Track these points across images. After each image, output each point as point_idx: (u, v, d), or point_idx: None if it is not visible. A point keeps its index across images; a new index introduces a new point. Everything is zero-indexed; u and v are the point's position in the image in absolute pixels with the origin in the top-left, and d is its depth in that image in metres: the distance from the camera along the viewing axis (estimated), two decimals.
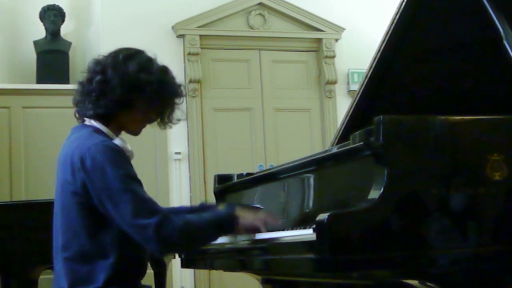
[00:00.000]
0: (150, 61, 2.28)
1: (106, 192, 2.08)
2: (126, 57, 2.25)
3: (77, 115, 2.31)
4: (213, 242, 2.35)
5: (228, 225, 2.23)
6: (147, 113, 2.29)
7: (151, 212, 2.07)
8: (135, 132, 2.32)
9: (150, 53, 2.31)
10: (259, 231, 2.23)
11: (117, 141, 2.21)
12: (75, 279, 2.14)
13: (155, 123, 2.37)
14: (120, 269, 2.13)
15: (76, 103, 2.29)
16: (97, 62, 2.27)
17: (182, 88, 2.33)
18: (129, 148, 2.24)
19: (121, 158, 2.14)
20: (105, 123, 2.24)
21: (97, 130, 2.22)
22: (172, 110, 2.32)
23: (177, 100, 2.32)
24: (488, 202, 1.88)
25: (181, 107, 2.35)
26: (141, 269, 2.25)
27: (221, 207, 2.48)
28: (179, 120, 2.37)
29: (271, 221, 2.25)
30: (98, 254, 2.13)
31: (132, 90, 2.21)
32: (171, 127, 2.39)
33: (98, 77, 2.22)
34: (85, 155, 2.11)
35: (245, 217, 2.24)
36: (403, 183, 1.82)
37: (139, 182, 2.14)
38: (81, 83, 2.28)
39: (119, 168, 2.10)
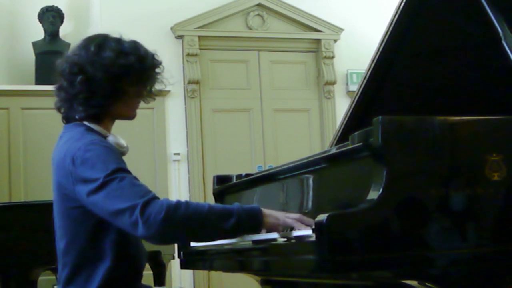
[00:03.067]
0: (119, 42, 2.23)
1: (95, 184, 1.99)
2: (97, 46, 2.19)
3: (64, 121, 2.24)
4: (231, 240, 2.20)
5: (246, 218, 2.02)
6: (138, 94, 2.23)
7: (139, 195, 1.96)
8: (131, 116, 2.26)
9: (114, 34, 2.25)
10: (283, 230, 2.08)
11: (110, 138, 2.18)
12: (75, 283, 2.13)
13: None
14: (118, 271, 2.12)
15: (60, 109, 2.22)
16: (71, 63, 2.17)
17: (156, 56, 2.27)
18: (124, 143, 2.21)
19: (111, 154, 2.08)
20: (97, 121, 2.19)
21: (89, 129, 2.17)
22: (155, 81, 2.26)
23: (158, 70, 2.26)
24: (487, 202, 1.88)
25: (162, 76, 2.28)
26: (139, 270, 2.23)
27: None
28: (161, 90, 2.30)
29: (306, 221, 2.04)
30: (97, 258, 2.11)
31: (118, 78, 2.15)
32: (154, 99, 2.31)
33: (79, 78, 2.13)
34: (76, 155, 2.05)
35: (275, 214, 2.07)
36: (402, 184, 1.82)
37: (130, 173, 2.05)
38: (61, 88, 2.19)
39: (109, 162, 2.02)
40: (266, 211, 2.08)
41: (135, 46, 2.24)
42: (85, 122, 2.18)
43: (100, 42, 2.21)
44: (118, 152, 2.14)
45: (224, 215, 2.02)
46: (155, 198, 1.97)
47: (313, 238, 1.79)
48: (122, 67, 2.15)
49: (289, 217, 2.07)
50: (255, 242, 2.16)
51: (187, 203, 1.99)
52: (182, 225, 1.97)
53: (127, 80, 2.17)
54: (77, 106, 2.15)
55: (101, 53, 2.17)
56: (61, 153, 2.13)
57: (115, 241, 2.11)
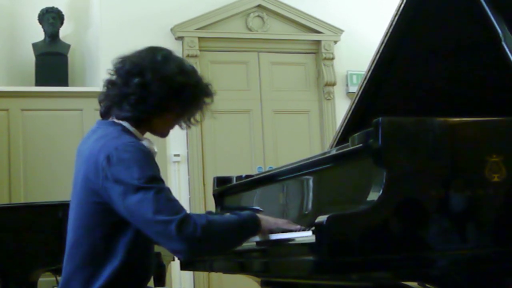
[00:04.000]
0: (182, 61, 2.27)
1: (130, 188, 2.01)
2: (164, 57, 2.21)
3: (101, 116, 2.25)
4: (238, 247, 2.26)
5: (251, 224, 2.13)
6: (180, 115, 2.26)
7: (174, 210, 2.00)
8: (164, 134, 2.29)
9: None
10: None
11: (144, 142, 2.18)
12: (80, 278, 2.13)
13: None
14: (124, 274, 2.11)
15: (106, 101, 2.22)
16: (132, 62, 2.19)
17: (211, 87, 2.33)
18: (155, 149, 2.21)
19: (149, 159, 2.09)
20: (136, 125, 2.20)
21: (125, 130, 2.17)
22: (201, 110, 2.30)
23: (208, 100, 2.31)
24: (487, 203, 1.88)
25: (209, 107, 2.33)
26: (146, 275, 2.22)
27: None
28: (198, 121, 2.34)
29: (292, 227, 2.16)
30: (107, 256, 2.10)
31: (171, 94, 2.17)
32: (190, 127, 2.34)
33: (136, 80, 2.15)
34: (112, 154, 2.05)
35: (267, 219, 2.18)
36: (402, 185, 1.82)
37: (164, 184, 2.08)
38: (112, 83, 2.20)
39: (146, 168, 2.04)
40: (260, 216, 2.18)
41: (195, 70, 2.30)
42: (122, 122, 2.19)
43: (166, 54, 2.24)
44: (153, 158, 2.14)
45: (239, 228, 2.12)
46: (187, 215, 2.02)
47: (313, 239, 1.79)
48: (180, 84, 2.19)
49: (278, 220, 2.19)
50: (259, 243, 2.20)
51: (213, 220, 2.07)
52: (213, 243, 2.07)
53: (178, 98, 2.20)
54: (126, 105, 2.16)
55: (165, 64, 2.20)
56: (94, 148, 2.11)
57: (128, 244, 2.10)
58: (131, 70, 2.17)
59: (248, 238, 2.17)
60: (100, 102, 2.26)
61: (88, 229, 2.12)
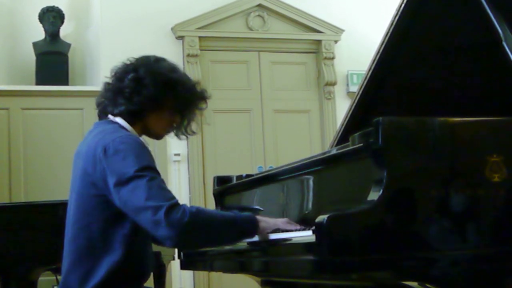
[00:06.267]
0: (176, 65, 2.35)
1: (124, 177, 2.05)
2: (156, 58, 2.32)
3: (98, 117, 2.32)
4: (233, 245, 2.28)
5: (247, 224, 2.15)
6: (174, 115, 2.31)
7: (165, 198, 2.04)
8: (159, 135, 2.34)
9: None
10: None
11: (140, 139, 2.24)
12: (78, 272, 2.14)
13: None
14: (122, 269, 2.12)
15: (103, 100, 2.29)
16: (126, 64, 2.30)
17: (205, 92, 2.37)
18: (149, 148, 2.24)
19: (145, 151, 2.15)
20: (130, 123, 2.25)
21: (122, 127, 2.23)
22: (195, 115, 2.35)
23: (201, 104, 2.35)
24: (487, 203, 1.88)
25: (198, 119, 2.38)
26: (143, 273, 2.24)
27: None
28: (194, 132, 2.39)
29: (292, 227, 2.18)
30: (105, 249, 2.12)
31: (165, 88, 2.24)
32: (186, 137, 2.39)
33: (130, 75, 2.24)
34: (109, 145, 2.11)
35: (267, 220, 2.20)
36: (403, 185, 1.82)
37: (159, 175, 2.12)
38: (109, 84, 2.29)
39: (141, 159, 2.09)
40: (258, 217, 2.19)
41: (188, 75, 2.38)
42: (118, 119, 2.24)
43: (158, 57, 2.34)
44: (149, 150, 2.18)
45: (232, 223, 2.14)
46: (177, 202, 2.05)
47: (313, 239, 1.79)
48: (172, 79, 2.27)
49: (278, 221, 2.20)
50: (251, 244, 2.21)
51: (204, 210, 2.11)
52: (201, 231, 2.09)
53: (171, 93, 2.26)
54: (120, 99, 2.23)
55: (158, 63, 2.30)
56: (91, 144, 2.17)
57: (126, 237, 2.13)
58: (126, 68, 2.27)
59: (244, 237, 2.19)
60: (97, 106, 2.33)
61: (85, 223, 2.15)
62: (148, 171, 2.07)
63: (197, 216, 2.04)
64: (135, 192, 2.03)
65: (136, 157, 2.08)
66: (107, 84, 2.30)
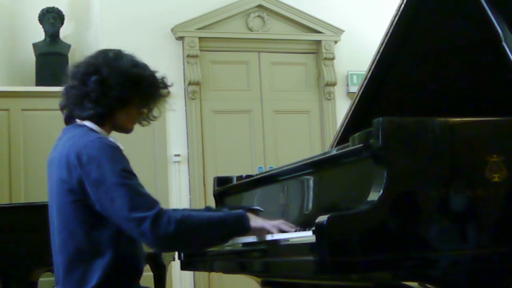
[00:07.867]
0: (134, 57, 2.32)
1: (103, 187, 2.06)
2: (115, 54, 2.27)
3: (65, 122, 2.29)
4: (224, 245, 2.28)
5: (235, 223, 2.16)
6: (141, 108, 2.31)
7: (148, 206, 2.06)
8: (129, 129, 2.32)
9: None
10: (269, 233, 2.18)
11: (111, 138, 2.22)
12: (72, 280, 2.13)
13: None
14: (116, 269, 2.12)
15: (67, 106, 2.27)
16: (86, 64, 2.26)
17: (166, 80, 2.35)
18: (121, 147, 2.24)
19: (118, 153, 2.14)
20: (99, 124, 2.24)
21: (90, 130, 2.21)
22: (159, 101, 2.34)
23: (164, 92, 2.34)
24: (487, 203, 1.88)
25: (166, 101, 2.38)
26: (137, 269, 2.23)
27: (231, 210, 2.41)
28: (156, 117, 2.38)
29: (286, 228, 2.17)
30: (94, 252, 2.12)
31: (130, 85, 2.23)
32: (149, 123, 2.39)
33: (94, 77, 2.20)
34: (82, 152, 2.10)
35: (256, 219, 2.20)
36: (403, 185, 1.82)
37: (136, 177, 2.13)
38: (72, 87, 2.25)
39: (116, 162, 2.09)
40: (250, 216, 2.20)
41: (147, 65, 2.34)
42: (86, 123, 2.22)
43: (117, 52, 2.30)
44: (121, 151, 2.18)
45: (219, 224, 2.16)
46: (161, 210, 2.07)
47: (313, 239, 1.79)
48: (136, 75, 2.24)
49: (272, 222, 2.20)
50: (245, 244, 2.23)
51: (189, 216, 2.12)
52: (187, 237, 2.13)
53: (136, 89, 2.24)
54: (87, 103, 2.21)
55: (118, 60, 2.26)
56: (62, 152, 2.16)
57: (113, 237, 2.13)
58: (87, 70, 2.24)
59: (234, 236, 2.22)
60: (62, 110, 2.31)
61: (70, 231, 2.15)
62: (124, 174, 2.08)
63: (182, 223, 2.07)
64: (116, 202, 2.05)
65: (111, 163, 2.08)
66: (70, 87, 2.26)
